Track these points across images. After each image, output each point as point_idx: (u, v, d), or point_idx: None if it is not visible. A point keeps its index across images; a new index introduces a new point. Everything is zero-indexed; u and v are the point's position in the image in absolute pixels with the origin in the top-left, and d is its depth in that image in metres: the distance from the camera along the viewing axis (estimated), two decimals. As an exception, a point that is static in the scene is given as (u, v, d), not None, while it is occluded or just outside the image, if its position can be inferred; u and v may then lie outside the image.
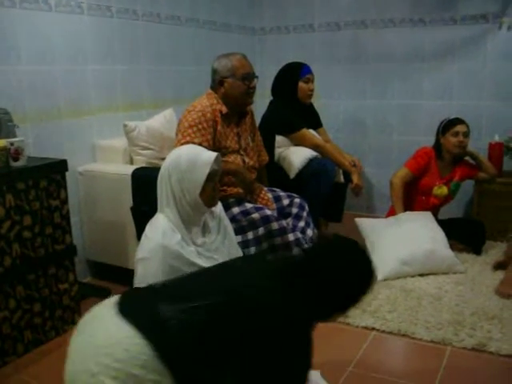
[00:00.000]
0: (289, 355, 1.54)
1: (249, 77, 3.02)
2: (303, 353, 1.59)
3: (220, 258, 2.31)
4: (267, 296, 1.57)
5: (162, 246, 2.14)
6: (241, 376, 1.48)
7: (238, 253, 2.54)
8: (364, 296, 1.77)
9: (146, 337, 1.40)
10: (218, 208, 2.47)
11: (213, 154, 2.27)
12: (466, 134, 3.64)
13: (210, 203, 2.30)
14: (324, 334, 2.66)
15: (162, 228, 2.20)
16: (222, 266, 1.87)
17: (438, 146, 3.71)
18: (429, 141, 3.83)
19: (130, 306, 1.53)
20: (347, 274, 1.72)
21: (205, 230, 2.38)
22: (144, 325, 1.43)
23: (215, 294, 1.55)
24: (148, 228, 2.28)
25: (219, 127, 2.96)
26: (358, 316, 2.80)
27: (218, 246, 2.38)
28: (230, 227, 2.53)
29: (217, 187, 2.32)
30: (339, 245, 1.86)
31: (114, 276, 3.35)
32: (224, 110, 2.98)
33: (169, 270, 2.12)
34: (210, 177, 2.24)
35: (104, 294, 3.12)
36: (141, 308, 1.53)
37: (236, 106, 3.05)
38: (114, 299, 1.56)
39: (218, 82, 3.02)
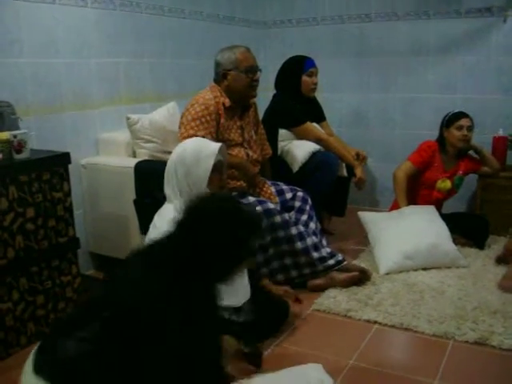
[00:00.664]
0: (196, 338, 1.53)
1: (252, 70, 3.01)
2: (210, 326, 1.58)
3: None
4: (151, 297, 1.53)
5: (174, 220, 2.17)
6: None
7: None
8: (247, 238, 1.68)
9: None
10: None
11: (217, 145, 2.29)
12: (470, 128, 3.62)
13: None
14: (326, 327, 2.68)
15: (169, 218, 2.20)
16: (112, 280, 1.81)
17: (441, 140, 3.70)
18: (432, 135, 3.82)
19: (39, 358, 1.53)
20: (217, 229, 1.64)
21: None
22: (51, 376, 1.45)
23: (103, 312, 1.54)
24: (156, 218, 2.32)
25: (222, 120, 2.96)
26: (360, 309, 2.80)
27: None
28: None
29: (224, 178, 2.34)
30: (200, 205, 1.74)
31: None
32: (227, 102, 2.98)
33: None
34: (216, 168, 2.26)
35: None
36: (47, 358, 1.52)
37: (239, 99, 3.05)
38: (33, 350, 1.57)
39: (221, 75, 3.01)
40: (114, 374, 1.45)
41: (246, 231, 1.66)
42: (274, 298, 2.64)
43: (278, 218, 2.87)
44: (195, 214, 1.69)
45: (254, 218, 1.72)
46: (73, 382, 1.45)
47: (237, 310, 2.37)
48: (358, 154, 3.85)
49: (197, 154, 2.25)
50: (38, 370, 1.47)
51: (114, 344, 1.46)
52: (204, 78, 3.27)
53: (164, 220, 2.20)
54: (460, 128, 3.60)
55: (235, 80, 2.99)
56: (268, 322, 2.48)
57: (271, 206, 2.89)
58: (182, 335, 1.49)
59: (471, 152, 3.78)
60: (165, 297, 1.51)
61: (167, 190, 2.31)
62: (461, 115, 3.64)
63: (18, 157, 2.53)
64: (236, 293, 2.38)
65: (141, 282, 1.58)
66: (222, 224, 1.64)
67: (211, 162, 2.24)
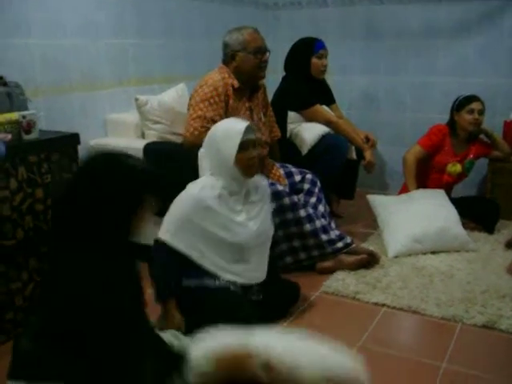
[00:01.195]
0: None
1: (261, 50, 2.99)
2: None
3: (254, 227, 2.39)
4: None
5: (195, 197, 2.28)
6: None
7: (270, 231, 2.56)
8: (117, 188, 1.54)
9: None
10: (264, 184, 2.53)
11: (244, 124, 2.33)
12: (481, 112, 3.59)
13: (247, 173, 2.35)
14: (334, 310, 2.69)
15: (202, 183, 2.33)
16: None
17: (452, 124, 3.67)
18: (443, 118, 3.79)
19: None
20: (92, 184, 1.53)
21: (246, 201, 2.42)
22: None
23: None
24: (189, 184, 2.39)
25: (231, 101, 2.95)
26: (368, 292, 2.80)
27: (254, 217, 2.42)
28: (268, 206, 2.55)
29: (253, 156, 2.34)
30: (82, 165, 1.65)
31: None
32: (236, 84, 2.97)
33: (189, 220, 2.27)
34: (243, 146, 2.29)
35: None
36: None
37: (248, 80, 3.03)
38: None
39: (229, 56, 2.99)
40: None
41: (125, 185, 1.55)
42: (285, 279, 2.65)
43: (286, 200, 2.86)
44: (77, 173, 1.67)
45: (135, 171, 1.59)
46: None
47: (246, 288, 2.38)
48: (367, 138, 3.82)
49: (225, 132, 2.33)
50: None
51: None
52: (213, 59, 3.25)
53: (196, 185, 2.33)
54: (471, 111, 3.57)
55: (243, 61, 2.97)
56: (277, 304, 2.49)
57: (280, 188, 2.88)
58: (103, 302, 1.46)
59: (482, 136, 3.75)
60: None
61: (201, 168, 2.43)
62: (472, 99, 3.61)
63: (27, 137, 2.53)
64: (254, 272, 2.41)
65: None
66: (96, 179, 1.54)
67: (237, 141, 2.29)
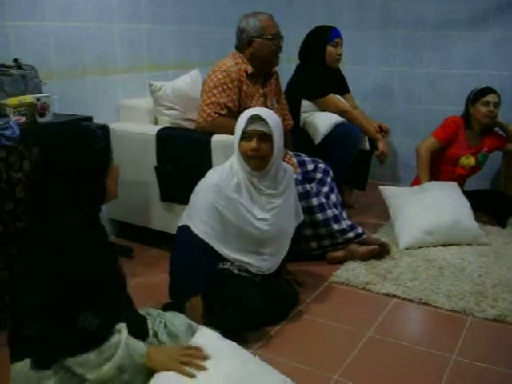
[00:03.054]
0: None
1: (277, 37, 2.99)
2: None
3: (271, 219, 2.37)
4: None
5: (217, 185, 2.28)
6: None
7: (291, 224, 2.55)
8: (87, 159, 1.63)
9: None
10: (288, 176, 2.50)
11: (249, 112, 2.34)
12: (497, 104, 3.56)
13: (248, 163, 2.33)
14: (344, 299, 2.68)
15: (222, 170, 2.34)
16: None
17: (467, 116, 3.64)
18: (457, 111, 3.75)
19: None
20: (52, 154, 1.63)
21: (262, 192, 2.39)
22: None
23: None
24: (209, 171, 2.41)
25: (244, 87, 2.94)
26: (379, 283, 2.79)
27: (274, 209, 2.41)
28: (291, 199, 2.53)
29: (252, 148, 2.29)
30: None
31: (137, 236, 3.38)
32: (250, 69, 2.96)
33: (213, 208, 2.27)
34: (246, 135, 2.30)
35: (127, 253, 3.16)
36: None
37: (262, 67, 3.02)
38: None
39: (245, 42, 2.98)
40: None
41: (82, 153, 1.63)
42: (282, 284, 2.57)
43: (299, 189, 2.85)
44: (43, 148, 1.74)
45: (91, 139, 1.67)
46: None
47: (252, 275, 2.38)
48: (380, 127, 3.80)
49: (240, 118, 2.35)
50: None
51: None
52: (227, 45, 3.24)
53: (217, 172, 2.36)
54: (486, 104, 3.54)
55: (260, 47, 2.96)
56: (275, 310, 2.43)
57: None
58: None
59: (497, 129, 3.72)
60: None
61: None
62: (488, 91, 3.57)
63: (41, 120, 2.54)
64: (266, 262, 2.41)
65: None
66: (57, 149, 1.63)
67: (241, 128, 2.30)
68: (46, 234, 1.55)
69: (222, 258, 2.33)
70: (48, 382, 1.53)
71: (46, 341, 1.51)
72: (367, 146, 3.74)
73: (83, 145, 1.64)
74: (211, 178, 2.34)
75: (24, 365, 1.56)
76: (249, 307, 2.22)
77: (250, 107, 2.89)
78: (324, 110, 3.63)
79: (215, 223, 2.28)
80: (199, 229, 2.27)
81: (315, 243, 3.01)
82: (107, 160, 1.68)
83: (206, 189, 2.31)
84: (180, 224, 2.36)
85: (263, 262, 2.40)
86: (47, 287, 1.51)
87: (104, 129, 1.73)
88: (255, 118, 2.29)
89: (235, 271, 2.35)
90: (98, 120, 2.97)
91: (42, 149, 1.67)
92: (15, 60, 2.65)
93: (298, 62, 3.79)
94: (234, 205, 2.28)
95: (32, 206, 1.66)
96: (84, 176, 1.61)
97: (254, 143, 2.29)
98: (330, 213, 2.93)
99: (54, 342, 1.50)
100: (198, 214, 2.28)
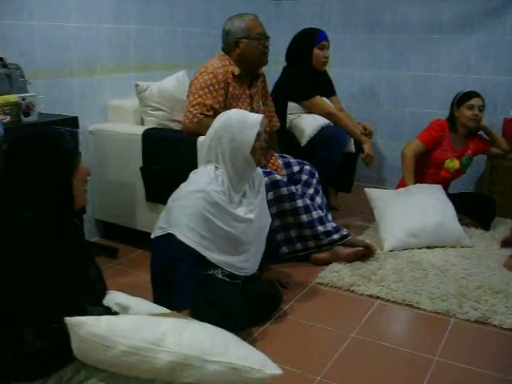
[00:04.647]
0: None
1: (263, 36, 3.00)
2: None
3: (254, 220, 2.39)
4: None
5: (205, 191, 2.24)
6: None
7: (267, 221, 2.56)
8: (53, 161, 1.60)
9: None
10: (259, 173, 2.54)
11: (260, 116, 2.38)
12: (482, 108, 3.59)
13: (259, 161, 2.41)
14: (329, 301, 2.70)
15: (209, 176, 2.31)
16: None
17: (452, 119, 3.67)
18: (443, 114, 3.79)
19: None
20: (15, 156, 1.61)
21: (244, 193, 2.44)
22: None
23: None
24: (193, 175, 2.39)
25: (231, 89, 2.94)
26: (363, 284, 2.81)
27: (255, 208, 2.43)
28: (264, 195, 2.57)
29: (264, 147, 2.43)
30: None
31: (121, 236, 3.37)
32: (236, 71, 2.96)
33: (200, 214, 2.23)
34: (258, 137, 2.34)
35: (111, 254, 3.16)
36: None
37: (251, 67, 3.03)
38: None
39: (232, 44, 2.99)
40: None
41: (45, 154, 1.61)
42: (265, 287, 2.59)
43: (284, 190, 2.87)
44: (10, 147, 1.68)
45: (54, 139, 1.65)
46: None
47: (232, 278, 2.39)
48: (364, 128, 3.82)
49: (242, 122, 2.33)
50: None
51: None
52: (214, 47, 3.24)
53: (203, 177, 2.31)
54: (471, 107, 3.57)
55: (247, 48, 2.96)
56: (258, 311, 2.44)
57: (278, 177, 2.88)
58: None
59: (481, 132, 3.75)
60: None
61: (208, 156, 2.39)
62: (472, 95, 3.60)
63: (26, 119, 2.53)
64: (247, 263, 2.41)
65: None
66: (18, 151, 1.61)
67: (255, 131, 2.32)
68: (2, 231, 1.52)
69: (209, 264, 2.30)
70: None
71: None
72: (353, 148, 3.75)
73: (48, 142, 1.62)
74: (196, 182, 2.31)
75: None
76: (231, 309, 2.21)
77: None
78: (310, 112, 3.65)
79: (202, 230, 2.23)
80: (186, 237, 2.21)
81: (300, 244, 3.01)
82: (72, 162, 1.64)
83: (191, 194, 2.26)
84: (158, 231, 2.31)
85: (247, 263, 2.40)
86: None
87: (73, 133, 1.71)
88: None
89: (219, 276, 2.34)
90: (84, 120, 2.99)
91: (8, 143, 1.65)
92: (0, 58, 2.64)
93: (285, 64, 3.80)
94: (222, 209, 2.26)
95: None
96: (46, 174, 1.59)
97: (263, 142, 2.42)
98: (315, 214, 2.94)
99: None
100: (184, 222, 2.23)
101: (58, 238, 1.59)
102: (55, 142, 1.62)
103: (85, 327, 1.43)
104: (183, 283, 2.20)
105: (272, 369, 1.54)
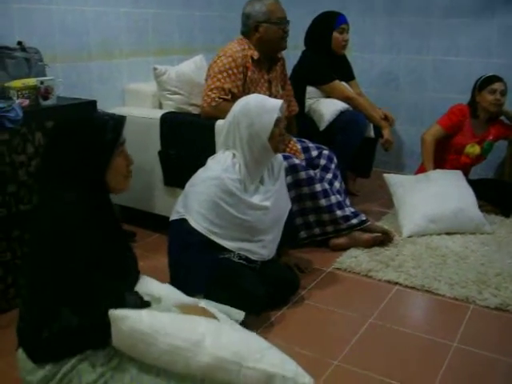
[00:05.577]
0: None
1: (283, 21, 2.98)
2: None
3: (271, 207, 2.38)
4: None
5: (220, 178, 2.24)
6: None
7: (287, 207, 2.55)
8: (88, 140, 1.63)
9: None
10: (279, 159, 2.54)
11: (279, 101, 2.36)
12: (504, 93, 3.53)
13: (277, 148, 2.39)
14: (347, 286, 2.69)
15: (226, 163, 2.30)
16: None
17: (473, 104, 3.61)
18: (463, 99, 3.73)
19: None
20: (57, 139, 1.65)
21: (262, 180, 2.43)
22: None
23: None
24: (210, 161, 2.39)
25: (250, 73, 2.93)
26: (381, 270, 2.79)
27: (272, 195, 2.42)
28: (284, 181, 2.57)
29: (283, 133, 2.40)
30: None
31: (139, 220, 3.38)
32: (256, 55, 2.95)
33: (213, 201, 2.24)
34: (276, 122, 2.32)
35: (129, 238, 3.17)
36: None
37: (270, 52, 3.01)
38: None
39: (252, 28, 2.97)
40: None
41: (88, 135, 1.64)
42: (283, 271, 2.57)
43: (302, 174, 2.85)
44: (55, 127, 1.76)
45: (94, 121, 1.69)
46: None
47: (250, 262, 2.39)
48: (386, 116, 3.78)
49: (261, 107, 2.32)
50: None
51: None
52: (232, 30, 3.22)
53: (219, 164, 2.30)
54: (493, 92, 3.51)
55: (267, 32, 2.95)
56: (276, 295, 2.43)
57: (296, 161, 2.87)
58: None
59: (503, 117, 3.69)
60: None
61: (226, 141, 2.38)
62: (494, 79, 3.55)
63: (44, 103, 2.54)
64: (264, 249, 2.40)
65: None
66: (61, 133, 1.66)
67: (275, 116, 2.31)
68: (45, 217, 1.55)
69: (222, 248, 2.32)
70: (42, 371, 1.53)
71: (32, 338, 1.52)
72: (372, 133, 3.72)
73: (89, 132, 1.64)
74: (212, 169, 2.32)
75: (22, 351, 1.57)
76: (249, 292, 2.22)
77: (254, 93, 2.89)
78: (329, 97, 3.62)
79: (214, 217, 2.25)
80: (198, 223, 2.25)
81: (318, 229, 3.00)
82: (111, 152, 1.65)
83: (206, 181, 2.27)
84: (175, 214, 2.33)
85: (264, 249, 2.39)
86: (37, 275, 1.53)
87: (119, 120, 1.70)
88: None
89: (235, 259, 2.34)
90: (102, 104, 2.98)
91: (52, 126, 1.68)
92: (19, 42, 2.65)
93: (304, 48, 3.77)
94: (237, 197, 2.26)
95: (36, 180, 1.68)
96: (83, 160, 1.61)
97: (283, 128, 2.40)
98: (333, 199, 2.92)
99: (41, 342, 1.51)
100: (197, 208, 2.25)
101: (97, 221, 1.61)
102: (95, 131, 1.64)
103: (128, 322, 1.49)
104: (194, 268, 2.24)
105: (303, 378, 1.58)
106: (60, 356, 1.53)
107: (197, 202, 2.26)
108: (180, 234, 2.31)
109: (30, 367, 1.54)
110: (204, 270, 2.23)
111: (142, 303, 1.68)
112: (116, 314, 1.49)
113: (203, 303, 1.86)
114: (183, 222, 2.28)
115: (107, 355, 1.54)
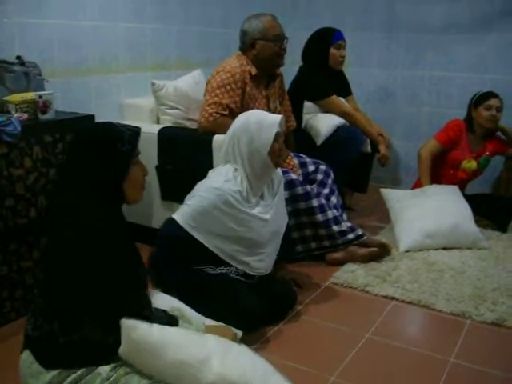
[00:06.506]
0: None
1: (280, 38, 3.00)
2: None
3: (270, 220, 2.38)
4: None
5: (221, 189, 2.25)
6: None
7: (284, 221, 2.55)
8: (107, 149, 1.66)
9: None
10: (278, 174, 2.54)
11: (278, 116, 2.37)
12: (499, 109, 3.56)
13: (277, 163, 2.40)
14: (343, 301, 2.68)
15: (228, 175, 2.31)
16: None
17: (469, 120, 3.64)
18: (460, 114, 3.75)
19: None
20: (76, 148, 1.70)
21: (263, 195, 2.43)
22: None
23: None
24: (211, 174, 2.41)
25: (248, 89, 2.94)
26: (378, 285, 2.79)
27: (271, 209, 2.42)
28: (282, 196, 2.57)
29: (282, 148, 2.41)
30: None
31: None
32: (253, 71, 2.97)
33: (210, 212, 2.25)
34: (276, 138, 2.33)
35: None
36: None
37: (267, 68, 3.03)
38: None
39: (249, 44, 2.99)
40: None
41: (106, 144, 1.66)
42: (279, 286, 2.58)
43: (299, 190, 2.86)
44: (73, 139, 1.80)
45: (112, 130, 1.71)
46: None
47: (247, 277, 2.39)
48: (381, 135, 3.79)
49: (260, 122, 2.33)
50: None
51: None
52: (230, 46, 3.25)
53: (221, 176, 2.30)
54: (489, 108, 3.54)
55: (263, 49, 2.97)
56: (272, 310, 2.43)
57: (293, 176, 2.88)
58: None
59: (499, 133, 3.72)
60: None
61: (227, 156, 2.39)
62: (490, 95, 3.58)
63: (42, 117, 2.54)
64: (262, 263, 2.40)
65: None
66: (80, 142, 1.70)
67: (274, 131, 2.31)
68: (69, 230, 1.58)
69: (219, 263, 2.32)
70: (47, 375, 1.54)
71: (46, 342, 1.54)
72: (369, 148, 3.74)
73: (105, 142, 1.66)
74: (214, 180, 2.33)
75: (29, 355, 1.58)
76: (246, 308, 2.22)
77: (252, 109, 2.90)
78: (326, 112, 3.63)
79: (210, 225, 2.27)
80: (192, 227, 2.27)
81: (315, 244, 3.00)
82: (127, 163, 1.68)
83: (209, 190, 2.28)
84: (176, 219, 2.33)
85: (262, 263, 2.39)
86: (63, 285, 1.56)
87: (135, 132, 1.73)
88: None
89: (233, 275, 2.35)
90: (100, 119, 2.98)
91: (73, 135, 1.72)
92: (18, 57, 2.65)
93: (301, 63, 3.79)
94: (234, 211, 2.26)
95: (56, 190, 1.70)
96: (100, 172, 1.64)
97: (282, 143, 2.41)
98: (330, 214, 2.93)
99: (56, 351, 1.53)
100: (194, 213, 2.27)
101: (118, 232, 1.62)
102: (112, 142, 1.66)
103: (138, 332, 1.51)
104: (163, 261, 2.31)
105: None
106: (71, 364, 1.54)
107: (195, 209, 2.26)
108: (171, 238, 2.33)
109: (34, 371, 1.55)
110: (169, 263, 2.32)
111: (170, 320, 1.70)
112: (128, 323, 1.51)
113: (196, 316, 1.87)
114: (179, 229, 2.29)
115: (114, 368, 1.56)
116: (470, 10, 4.18)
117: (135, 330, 1.51)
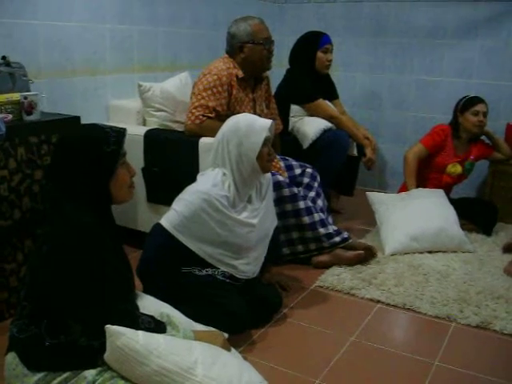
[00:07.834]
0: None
1: (268, 41, 3.00)
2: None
3: (257, 225, 2.38)
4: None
5: (208, 194, 2.24)
6: None
7: (272, 225, 2.55)
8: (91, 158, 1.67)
9: None
10: (267, 177, 2.53)
11: (268, 121, 2.37)
12: (486, 114, 3.58)
13: (265, 168, 2.38)
14: (329, 304, 2.69)
15: (215, 179, 2.30)
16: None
17: (455, 125, 3.66)
18: (445, 119, 3.78)
19: None
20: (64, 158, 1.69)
21: (250, 199, 2.43)
22: None
23: None
24: (200, 177, 2.39)
25: (235, 92, 2.94)
26: (363, 288, 2.80)
27: (259, 214, 2.42)
28: (271, 198, 2.57)
29: (271, 152, 2.39)
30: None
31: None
32: (240, 74, 2.97)
33: (197, 216, 2.24)
34: (265, 142, 2.33)
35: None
36: None
37: (254, 72, 3.03)
38: None
39: (237, 48, 2.99)
40: None
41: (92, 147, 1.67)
42: (265, 289, 2.57)
43: (286, 191, 2.86)
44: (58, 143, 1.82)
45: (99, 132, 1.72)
46: None
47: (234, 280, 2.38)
48: (367, 138, 3.80)
49: (250, 126, 2.32)
50: None
51: None
52: (217, 49, 3.25)
53: (209, 180, 2.29)
54: (476, 113, 3.56)
55: (252, 52, 2.97)
56: (258, 313, 2.43)
57: (281, 178, 2.88)
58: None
59: (483, 137, 3.74)
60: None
61: (215, 159, 2.39)
62: (477, 100, 3.60)
63: (27, 118, 2.52)
64: (249, 266, 2.40)
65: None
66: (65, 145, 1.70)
67: (263, 136, 2.31)
68: (59, 233, 1.58)
69: (206, 265, 2.32)
70: (33, 377, 1.53)
71: (33, 345, 1.54)
72: (355, 151, 3.75)
73: (91, 144, 1.67)
74: (201, 183, 2.32)
75: (14, 357, 1.57)
76: (232, 311, 2.22)
77: (239, 112, 2.91)
78: (313, 115, 3.64)
79: (197, 229, 2.26)
80: (178, 230, 2.26)
81: (301, 246, 3.00)
82: (113, 163, 1.68)
83: (195, 193, 2.27)
84: (161, 223, 2.33)
85: (249, 267, 2.39)
86: (52, 287, 1.55)
87: (120, 133, 1.74)
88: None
89: (219, 277, 2.34)
90: (86, 120, 2.95)
91: (58, 138, 1.73)
92: (3, 57, 2.63)
93: (288, 66, 3.80)
94: (223, 214, 2.26)
95: (44, 194, 1.70)
96: (87, 173, 1.64)
97: (271, 148, 2.39)
98: (316, 217, 2.93)
99: (41, 354, 1.53)
100: (181, 217, 2.26)
101: (108, 235, 1.63)
102: (97, 144, 1.66)
103: (123, 339, 1.51)
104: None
105: None
106: (57, 367, 1.54)
107: (182, 212, 2.25)
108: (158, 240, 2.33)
109: (19, 373, 1.54)
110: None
111: (157, 326, 1.69)
112: (112, 329, 1.51)
113: (184, 320, 1.86)
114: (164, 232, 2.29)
115: (99, 372, 1.55)
116: (457, 15, 4.21)
117: (120, 336, 1.50)
